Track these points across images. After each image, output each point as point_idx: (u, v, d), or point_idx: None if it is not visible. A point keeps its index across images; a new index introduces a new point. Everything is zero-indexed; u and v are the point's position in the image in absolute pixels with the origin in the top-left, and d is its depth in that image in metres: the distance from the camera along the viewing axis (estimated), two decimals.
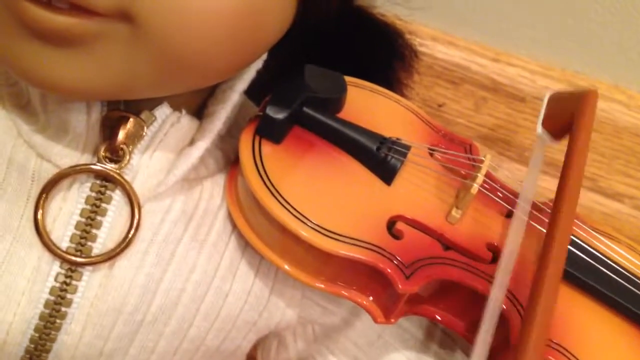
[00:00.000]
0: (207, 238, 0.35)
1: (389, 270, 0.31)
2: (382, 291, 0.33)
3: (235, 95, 0.34)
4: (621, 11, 0.47)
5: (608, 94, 0.48)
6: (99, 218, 0.32)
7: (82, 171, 0.32)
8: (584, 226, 0.37)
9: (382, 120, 0.37)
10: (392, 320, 0.33)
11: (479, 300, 0.33)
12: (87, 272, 0.32)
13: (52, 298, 0.31)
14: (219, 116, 0.34)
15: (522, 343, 0.26)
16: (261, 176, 0.33)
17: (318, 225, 0.31)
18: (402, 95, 0.42)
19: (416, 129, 0.39)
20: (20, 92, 0.34)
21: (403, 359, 0.39)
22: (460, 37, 0.50)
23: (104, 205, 0.32)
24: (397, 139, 0.35)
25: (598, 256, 0.36)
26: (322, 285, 0.33)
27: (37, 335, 0.32)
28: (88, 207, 0.32)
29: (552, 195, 0.31)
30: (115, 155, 0.32)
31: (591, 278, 0.35)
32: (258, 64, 0.34)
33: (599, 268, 0.35)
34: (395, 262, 0.31)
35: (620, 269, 0.36)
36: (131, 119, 0.32)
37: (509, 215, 0.36)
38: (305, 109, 0.35)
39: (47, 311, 0.31)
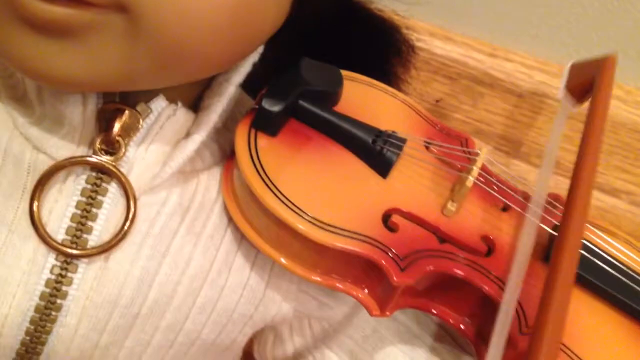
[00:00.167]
0: (203, 231, 0.35)
1: (384, 263, 0.31)
2: (377, 284, 0.33)
3: (231, 87, 0.34)
4: (618, 7, 0.47)
5: None
6: (94, 210, 0.32)
7: (77, 163, 0.32)
8: None
9: (378, 114, 0.37)
10: (388, 313, 0.33)
11: (474, 293, 0.33)
12: (82, 265, 0.32)
13: (48, 290, 0.31)
14: (215, 109, 0.34)
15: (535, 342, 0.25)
16: (257, 169, 0.33)
17: (314, 218, 0.31)
18: (400, 90, 0.42)
19: (412, 122, 0.39)
20: (16, 84, 0.34)
21: (399, 353, 0.39)
22: (458, 33, 0.50)
23: (99, 197, 0.32)
24: (393, 132, 0.35)
25: (597, 251, 0.36)
26: (318, 278, 0.33)
27: (32, 327, 0.32)
28: (84, 199, 0.32)
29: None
30: (111, 147, 0.32)
31: (590, 274, 0.35)
32: (254, 57, 0.34)
33: (598, 263, 0.35)
34: (390, 254, 0.31)
35: (619, 264, 0.36)
36: (127, 112, 0.32)
37: (504, 209, 0.36)
38: (301, 102, 0.35)
39: (42, 303, 0.32)
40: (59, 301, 0.32)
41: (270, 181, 0.32)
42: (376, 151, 0.34)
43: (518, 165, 0.50)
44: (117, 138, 0.32)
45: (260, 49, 0.34)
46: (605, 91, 0.34)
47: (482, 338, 0.34)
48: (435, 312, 0.35)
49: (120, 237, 0.32)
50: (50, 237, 0.31)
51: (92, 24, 0.26)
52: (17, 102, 0.33)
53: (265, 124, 0.34)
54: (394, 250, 0.31)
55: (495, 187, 0.37)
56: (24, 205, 0.32)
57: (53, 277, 0.32)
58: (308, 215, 0.31)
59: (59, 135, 0.32)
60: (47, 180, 0.32)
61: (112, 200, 0.32)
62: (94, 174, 0.32)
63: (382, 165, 0.35)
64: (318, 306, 0.39)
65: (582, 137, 0.32)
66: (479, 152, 0.37)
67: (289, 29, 0.34)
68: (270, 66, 0.35)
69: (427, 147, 0.38)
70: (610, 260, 0.36)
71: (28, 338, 0.32)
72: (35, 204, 0.31)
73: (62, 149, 0.32)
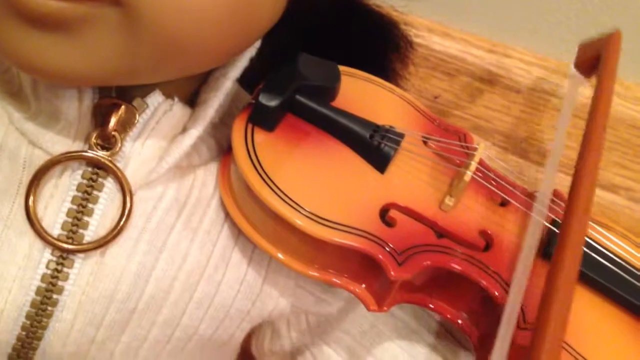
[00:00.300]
0: (200, 226, 0.34)
1: (382, 257, 0.31)
2: (374, 279, 0.33)
3: (228, 82, 0.34)
4: (617, 2, 0.47)
5: None
6: (90, 205, 0.32)
7: (73, 158, 0.32)
8: None
9: (376, 109, 0.37)
10: (385, 308, 0.33)
11: (472, 288, 0.33)
12: (78, 260, 0.32)
13: (44, 285, 0.31)
14: (211, 104, 0.34)
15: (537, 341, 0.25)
16: (254, 164, 0.33)
17: (311, 213, 0.31)
18: (398, 86, 0.42)
19: (410, 117, 0.39)
20: (11, 79, 0.34)
21: (396, 348, 0.39)
22: (456, 29, 0.50)
23: (95, 192, 0.32)
24: (391, 127, 0.35)
25: (593, 245, 0.36)
26: (316, 274, 0.33)
27: (28, 322, 0.32)
28: (80, 194, 0.32)
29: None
30: (107, 142, 0.32)
31: (587, 267, 0.35)
32: (251, 52, 0.34)
33: (594, 256, 0.35)
34: (387, 249, 0.31)
35: (615, 258, 0.35)
36: (123, 106, 0.32)
37: (502, 203, 0.36)
38: (299, 97, 0.35)
39: (38, 298, 0.31)
40: (55, 296, 0.32)
41: (267, 176, 0.32)
42: (374, 146, 0.34)
43: (517, 161, 0.50)
44: (113, 133, 0.32)
45: (258, 44, 0.34)
46: (612, 65, 0.36)
47: (480, 333, 0.34)
48: (432, 307, 0.35)
49: (116, 232, 0.32)
50: (46, 232, 0.31)
51: (86, 17, 0.26)
52: (13, 97, 0.33)
53: (262, 119, 0.34)
54: (391, 245, 0.31)
55: (493, 182, 0.37)
56: (20, 201, 0.31)
57: (49, 272, 0.31)
58: (305, 210, 0.31)
59: (54, 130, 0.32)
60: (42, 175, 0.31)
61: (108, 195, 0.32)
62: (90, 169, 0.32)
63: (379, 160, 0.34)
64: (315, 301, 0.39)
65: (589, 113, 0.33)
66: (477, 147, 0.36)
67: (287, 23, 0.34)
68: (267, 61, 0.35)
69: (425, 142, 0.37)
70: (608, 255, 0.36)
71: (24, 333, 0.32)
72: (31, 199, 0.31)
73: (58, 144, 0.32)
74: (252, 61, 0.34)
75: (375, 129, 0.35)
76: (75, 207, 0.32)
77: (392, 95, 0.40)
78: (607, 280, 0.35)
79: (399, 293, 0.33)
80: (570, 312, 0.33)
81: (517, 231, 0.35)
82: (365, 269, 0.32)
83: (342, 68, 0.37)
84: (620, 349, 0.34)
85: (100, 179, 0.32)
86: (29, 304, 0.31)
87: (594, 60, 0.38)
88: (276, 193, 0.32)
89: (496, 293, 0.32)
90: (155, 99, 0.33)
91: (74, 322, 0.32)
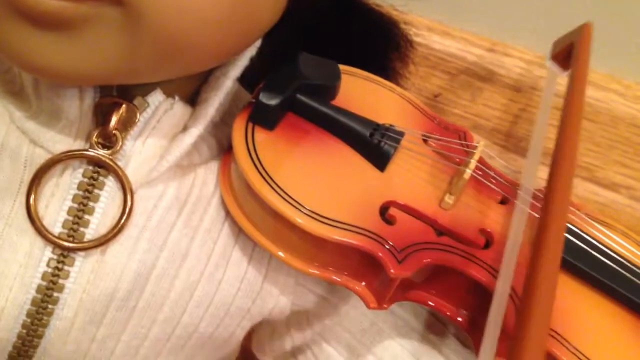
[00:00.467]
0: (200, 225, 0.35)
1: (382, 255, 0.31)
2: (374, 277, 0.33)
3: (228, 81, 0.34)
4: (617, 2, 0.47)
5: (604, 83, 0.48)
6: (91, 204, 0.32)
7: (74, 157, 0.32)
8: (579, 213, 0.37)
9: (376, 108, 0.37)
10: (385, 306, 0.33)
11: (471, 285, 0.33)
12: (79, 258, 0.32)
13: (44, 283, 0.31)
14: (212, 103, 0.34)
15: (521, 333, 0.25)
16: (254, 163, 0.33)
17: (311, 211, 0.31)
18: (398, 85, 0.42)
19: (410, 116, 0.39)
20: (13, 78, 0.34)
21: (396, 346, 0.39)
22: (456, 28, 0.50)
23: (96, 191, 0.32)
24: (391, 125, 0.35)
25: (593, 243, 0.36)
26: (316, 271, 0.33)
27: (29, 320, 0.32)
28: (80, 192, 0.32)
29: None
30: (108, 141, 0.32)
31: (587, 264, 0.35)
32: (252, 51, 0.34)
33: (594, 254, 0.35)
34: (387, 247, 0.31)
35: (616, 256, 0.36)
36: (124, 105, 0.32)
37: (502, 201, 0.36)
38: (299, 96, 0.35)
39: (39, 296, 0.32)
40: (55, 294, 0.32)
41: (268, 175, 0.32)
42: (373, 144, 0.34)
43: (516, 159, 0.50)
44: (114, 132, 0.32)
45: (258, 43, 0.34)
46: (584, 54, 0.37)
47: (479, 330, 0.34)
48: (432, 304, 0.35)
49: (117, 230, 0.32)
50: (46, 230, 0.31)
51: (87, 16, 0.26)
52: (14, 97, 0.33)
53: (263, 118, 0.34)
54: (391, 243, 0.31)
55: (493, 180, 0.37)
56: (21, 199, 0.32)
57: (50, 270, 0.31)
58: (305, 208, 0.31)
59: (55, 129, 0.32)
60: (43, 174, 0.32)
61: (109, 193, 0.32)
62: (90, 167, 0.32)
63: (379, 159, 0.34)
64: (315, 300, 0.39)
65: (565, 97, 0.34)
66: (477, 145, 0.37)
67: (287, 22, 0.34)
68: (267, 60, 0.35)
69: (425, 141, 0.38)
70: (610, 254, 0.36)
71: (25, 331, 0.32)
72: (32, 197, 0.31)
73: (59, 142, 0.32)
74: (253, 60, 0.34)
75: (375, 127, 0.35)
76: (76, 205, 0.32)
77: (392, 94, 0.40)
78: (608, 279, 0.35)
79: (399, 291, 0.33)
80: (572, 311, 0.33)
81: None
82: (365, 267, 0.32)
83: (342, 67, 0.38)
84: (622, 347, 0.34)
85: (101, 178, 0.32)
86: (30, 302, 0.31)
87: (568, 51, 0.40)
88: (276, 191, 0.32)
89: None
90: (156, 97, 0.33)
91: (75, 320, 0.32)
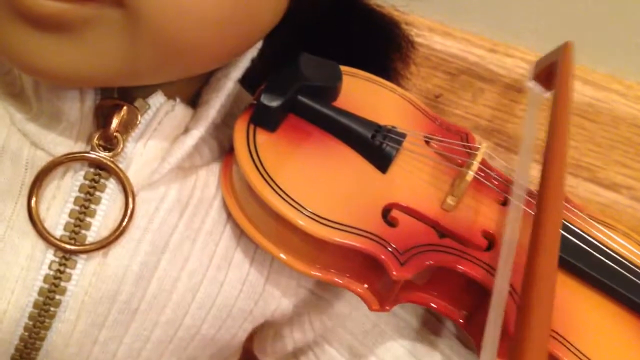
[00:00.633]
0: (202, 227, 0.35)
1: (384, 257, 0.31)
2: (377, 279, 0.33)
3: (230, 83, 0.34)
4: (618, 2, 0.47)
5: (605, 83, 0.48)
6: (93, 206, 0.32)
7: (76, 159, 0.32)
8: (581, 214, 0.37)
9: (377, 109, 0.37)
10: (387, 307, 0.33)
11: (474, 287, 0.33)
12: (81, 260, 0.32)
13: (46, 286, 0.31)
14: (213, 104, 0.34)
15: (522, 333, 0.25)
16: (256, 165, 0.33)
17: (313, 214, 0.31)
18: (399, 86, 0.42)
19: (412, 117, 0.39)
20: (13, 80, 0.34)
21: (399, 348, 0.39)
22: (457, 28, 0.50)
23: (98, 193, 0.32)
24: (393, 127, 0.35)
25: (594, 243, 0.36)
26: (318, 273, 0.33)
27: (31, 323, 0.32)
28: (82, 195, 0.32)
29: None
30: (109, 143, 0.32)
31: (588, 265, 0.35)
32: (253, 53, 0.34)
33: (595, 255, 0.35)
34: (390, 249, 0.31)
35: (616, 256, 0.36)
36: (125, 107, 0.32)
37: (504, 203, 0.36)
38: (300, 97, 0.35)
39: (41, 299, 0.31)
40: (57, 297, 0.32)
41: (269, 177, 0.32)
42: (375, 146, 0.34)
43: (518, 160, 0.50)
44: (115, 134, 0.32)
45: (259, 45, 0.34)
46: (566, 72, 0.37)
47: (481, 331, 0.34)
48: (435, 306, 0.35)
49: (118, 233, 0.32)
50: (48, 233, 0.31)
51: (88, 18, 0.26)
52: (15, 99, 0.33)
53: (264, 120, 0.34)
54: (393, 245, 0.31)
55: (495, 182, 0.37)
56: (22, 202, 0.31)
57: (51, 273, 0.31)
58: (307, 210, 0.31)
59: (56, 131, 0.32)
60: (45, 177, 0.31)
61: (110, 196, 0.32)
62: (92, 170, 0.32)
63: (381, 160, 0.34)
64: (317, 301, 0.39)
65: (551, 109, 0.34)
66: (479, 146, 0.37)
67: (288, 24, 0.34)
68: (269, 62, 0.35)
69: (427, 142, 0.38)
70: (611, 254, 0.36)
71: (27, 334, 0.32)
72: (34, 200, 0.31)
73: (60, 145, 0.32)
74: (254, 62, 0.34)
75: (377, 129, 0.35)
76: (77, 208, 0.32)
77: (394, 95, 0.40)
78: (609, 279, 0.35)
79: (401, 293, 0.33)
80: (574, 313, 0.33)
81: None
82: (368, 269, 0.32)
83: (343, 68, 0.37)
84: (623, 347, 0.34)
85: (102, 180, 0.32)
86: (32, 304, 0.31)
87: (549, 71, 0.41)
88: (278, 193, 0.32)
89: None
90: (157, 99, 0.33)
91: (77, 323, 0.32)
